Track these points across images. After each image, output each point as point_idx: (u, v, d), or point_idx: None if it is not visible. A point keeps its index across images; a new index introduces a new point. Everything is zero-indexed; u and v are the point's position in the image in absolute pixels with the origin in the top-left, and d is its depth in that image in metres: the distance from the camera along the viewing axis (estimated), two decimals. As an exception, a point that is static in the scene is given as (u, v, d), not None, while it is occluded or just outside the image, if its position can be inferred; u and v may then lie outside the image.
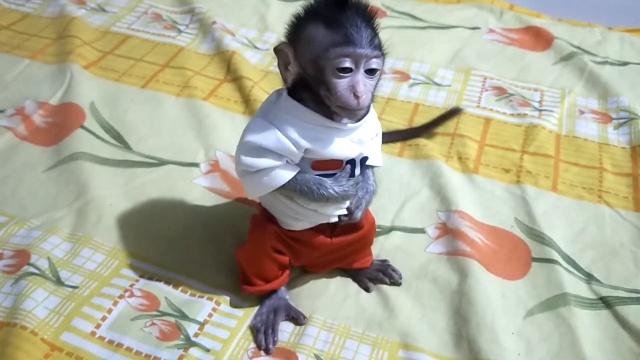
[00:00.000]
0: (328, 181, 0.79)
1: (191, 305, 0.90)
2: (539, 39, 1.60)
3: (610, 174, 1.18)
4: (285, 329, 0.88)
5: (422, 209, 1.08)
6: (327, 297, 0.93)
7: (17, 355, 0.80)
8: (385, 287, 0.95)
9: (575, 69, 1.48)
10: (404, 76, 1.44)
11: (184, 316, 0.88)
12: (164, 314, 0.88)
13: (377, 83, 0.76)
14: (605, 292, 0.95)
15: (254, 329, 0.87)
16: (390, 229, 1.04)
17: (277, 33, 1.55)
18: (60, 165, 1.13)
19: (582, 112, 1.35)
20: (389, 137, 1.21)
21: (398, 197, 1.11)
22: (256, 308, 0.90)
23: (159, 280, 0.93)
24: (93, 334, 0.85)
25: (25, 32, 1.53)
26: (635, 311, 0.92)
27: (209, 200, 1.08)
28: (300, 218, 0.84)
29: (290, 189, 0.79)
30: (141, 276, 0.94)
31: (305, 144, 0.76)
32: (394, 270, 0.96)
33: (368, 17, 0.73)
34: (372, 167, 0.86)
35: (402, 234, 1.04)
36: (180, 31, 1.56)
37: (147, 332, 0.85)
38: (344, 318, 0.90)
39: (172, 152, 1.18)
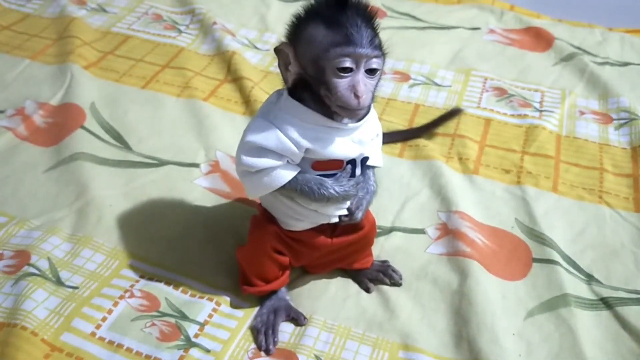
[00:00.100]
0: (329, 181, 0.79)
1: (191, 305, 0.90)
2: (540, 39, 1.60)
3: (611, 175, 1.18)
4: (286, 329, 0.88)
5: (422, 210, 1.08)
6: (328, 298, 0.93)
7: (18, 356, 0.80)
8: (385, 287, 0.95)
9: (576, 69, 1.48)
10: (404, 77, 1.44)
11: (184, 317, 0.88)
12: (164, 314, 0.88)
13: (377, 83, 0.76)
14: (605, 292, 0.95)
15: (254, 330, 0.87)
16: (391, 230, 1.04)
17: (278, 33, 1.55)
18: (61, 165, 1.13)
19: (582, 113, 1.35)
20: (390, 137, 1.21)
21: (398, 198, 1.11)
22: (256, 309, 0.90)
23: (159, 280, 0.93)
24: (93, 334, 0.85)
25: (26, 32, 1.53)
26: (635, 312, 0.92)
27: (209, 200, 1.08)
28: (300, 218, 0.83)
29: (290, 189, 0.79)
30: (141, 277, 0.94)
31: (305, 144, 0.76)
32: (394, 270, 0.96)
33: (368, 17, 0.73)
34: (372, 167, 0.86)
35: (403, 234, 1.04)
36: (180, 32, 1.56)
37: (147, 333, 0.85)
38: (345, 319, 0.90)
39: (173, 153, 1.18)
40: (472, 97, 1.38)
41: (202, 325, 0.87)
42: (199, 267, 0.96)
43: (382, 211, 1.06)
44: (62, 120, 1.23)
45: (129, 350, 0.83)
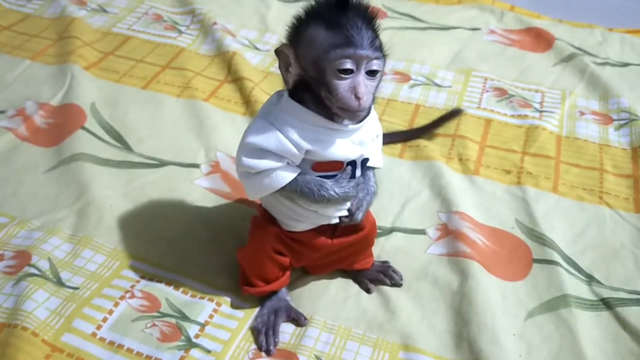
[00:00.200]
0: (329, 182, 0.79)
1: (192, 306, 0.90)
2: (540, 40, 1.60)
3: (611, 175, 1.18)
4: (286, 330, 0.88)
5: (422, 210, 1.09)
6: (328, 299, 0.93)
7: (18, 357, 0.80)
8: (386, 288, 0.95)
9: (576, 70, 1.48)
10: (404, 77, 1.44)
11: (184, 317, 0.88)
12: (164, 315, 0.88)
13: (378, 84, 0.76)
14: (606, 293, 0.95)
15: (255, 330, 0.87)
16: (391, 230, 1.04)
17: (278, 34, 1.56)
18: (61, 166, 1.13)
19: (582, 113, 1.35)
20: (390, 138, 1.21)
21: (399, 198, 1.11)
22: (257, 309, 0.90)
23: (159, 281, 0.93)
24: (94, 335, 0.85)
25: (26, 32, 1.53)
26: (636, 312, 0.92)
27: (210, 201, 1.08)
28: (300, 219, 0.84)
29: (290, 190, 0.79)
30: (142, 277, 0.94)
31: (306, 145, 0.76)
32: (394, 271, 0.96)
33: (369, 18, 0.73)
34: (372, 168, 0.86)
35: (403, 235, 1.04)
36: (180, 32, 1.56)
37: (147, 333, 0.85)
38: (345, 319, 0.90)
39: (173, 153, 1.18)
40: (472, 97, 1.38)
41: (202, 325, 0.87)
42: (200, 268, 0.96)
43: (382, 212, 1.06)
44: (63, 121, 1.23)
45: (129, 350, 0.83)
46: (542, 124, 1.29)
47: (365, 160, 0.82)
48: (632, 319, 0.91)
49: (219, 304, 0.90)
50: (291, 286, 0.93)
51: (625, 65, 1.52)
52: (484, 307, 0.90)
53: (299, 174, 0.78)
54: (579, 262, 1.01)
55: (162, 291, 0.92)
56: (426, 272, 0.97)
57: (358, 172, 0.82)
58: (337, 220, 0.84)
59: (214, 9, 1.64)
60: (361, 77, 0.73)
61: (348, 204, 0.83)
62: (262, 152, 0.77)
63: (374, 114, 0.82)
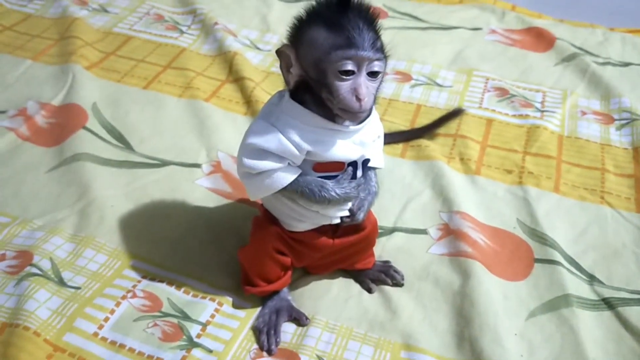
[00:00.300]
0: (330, 183, 0.79)
1: (193, 306, 0.90)
2: (541, 39, 1.60)
3: (612, 175, 1.18)
4: (288, 329, 0.88)
5: (424, 210, 1.09)
6: (330, 298, 0.93)
7: (20, 356, 0.80)
8: (387, 288, 0.95)
9: (577, 69, 1.48)
10: (405, 77, 1.44)
11: (186, 317, 0.88)
12: (166, 314, 0.88)
13: (379, 85, 0.76)
14: (607, 293, 0.95)
15: (257, 330, 0.87)
16: (393, 230, 1.04)
17: (279, 34, 1.56)
18: (63, 166, 1.13)
19: (584, 113, 1.35)
20: (391, 138, 1.21)
21: (400, 198, 1.11)
22: (258, 309, 0.90)
23: (161, 281, 0.93)
24: (95, 334, 0.85)
25: (28, 32, 1.53)
26: (637, 312, 0.92)
27: (211, 201, 1.08)
28: (302, 219, 0.84)
29: (291, 191, 0.79)
30: (143, 277, 0.94)
31: (306, 146, 0.76)
32: (396, 271, 0.96)
33: (370, 19, 0.73)
34: (374, 168, 0.86)
35: (404, 235, 1.04)
36: (182, 32, 1.56)
37: (149, 333, 0.85)
38: (346, 319, 0.90)
39: (174, 153, 1.18)
40: (473, 97, 1.38)
41: (204, 325, 0.87)
42: (201, 268, 0.96)
43: (383, 211, 1.06)
44: (64, 121, 1.23)
45: (131, 350, 0.83)
46: (543, 124, 1.29)
47: (367, 160, 0.82)
48: (633, 319, 0.91)
49: (220, 304, 0.91)
50: (293, 286, 0.93)
51: (627, 65, 1.52)
52: (485, 307, 0.90)
53: (299, 175, 0.78)
54: (581, 261, 1.01)
55: (164, 291, 0.92)
56: (428, 272, 0.97)
57: (359, 173, 0.82)
58: (338, 221, 0.84)
59: (215, 9, 1.64)
60: (362, 79, 0.72)
61: (349, 204, 0.83)
62: (263, 153, 0.77)
63: (375, 114, 0.82)
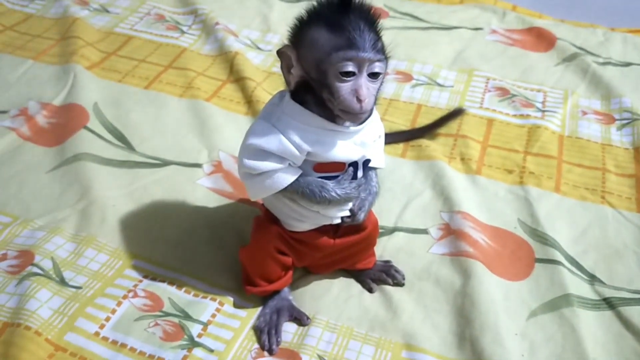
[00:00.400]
0: (330, 184, 0.79)
1: (195, 305, 0.90)
2: (542, 39, 1.60)
3: (613, 175, 1.18)
4: (289, 329, 0.88)
5: (425, 210, 1.09)
6: (330, 298, 0.93)
7: (21, 356, 0.80)
8: (388, 287, 0.95)
9: (578, 69, 1.48)
10: (406, 77, 1.44)
11: (187, 317, 0.88)
12: (167, 314, 0.88)
13: (380, 86, 0.75)
14: (608, 293, 0.95)
15: (258, 330, 0.87)
16: (393, 230, 1.05)
17: (280, 34, 1.56)
18: (64, 165, 1.13)
19: (584, 113, 1.35)
20: (392, 138, 1.21)
21: (401, 198, 1.11)
22: (259, 309, 0.90)
23: (162, 280, 0.93)
24: (97, 334, 0.85)
25: (29, 33, 1.53)
26: (638, 312, 0.92)
27: (212, 201, 1.08)
28: (303, 219, 0.84)
29: (292, 191, 0.79)
30: (145, 277, 0.94)
31: (307, 147, 0.76)
32: (397, 271, 0.96)
33: (371, 20, 0.73)
34: (375, 168, 0.86)
35: (405, 234, 1.04)
36: (183, 32, 1.56)
37: (150, 333, 0.85)
38: (347, 319, 0.90)
39: (175, 153, 1.18)
40: (474, 97, 1.38)
41: (205, 325, 0.87)
42: (202, 267, 0.96)
43: (384, 211, 1.06)
44: (65, 121, 1.24)
45: (132, 350, 0.83)
46: (544, 124, 1.29)
47: (367, 160, 0.82)
48: (634, 319, 0.91)
49: (221, 304, 0.91)
50: (293, 286, 0.94)
51: (628, 65, 1.52)
52: (486, 307, 0.90)
53: (300, 175, 0.78)
54: (582, 261, 1.01)
55: (165, 290, 0.92)
56: (428, 271, 0.97)
57: (360, 173, 0.81)
58: (339, 221, 0.84)
59: (216, 9, 1.64)
60: (363, 80, 0.72)
61: (350, 205, 0.83)
62: (264, 154, 0.77)
63: (376, 115, 0.82)
